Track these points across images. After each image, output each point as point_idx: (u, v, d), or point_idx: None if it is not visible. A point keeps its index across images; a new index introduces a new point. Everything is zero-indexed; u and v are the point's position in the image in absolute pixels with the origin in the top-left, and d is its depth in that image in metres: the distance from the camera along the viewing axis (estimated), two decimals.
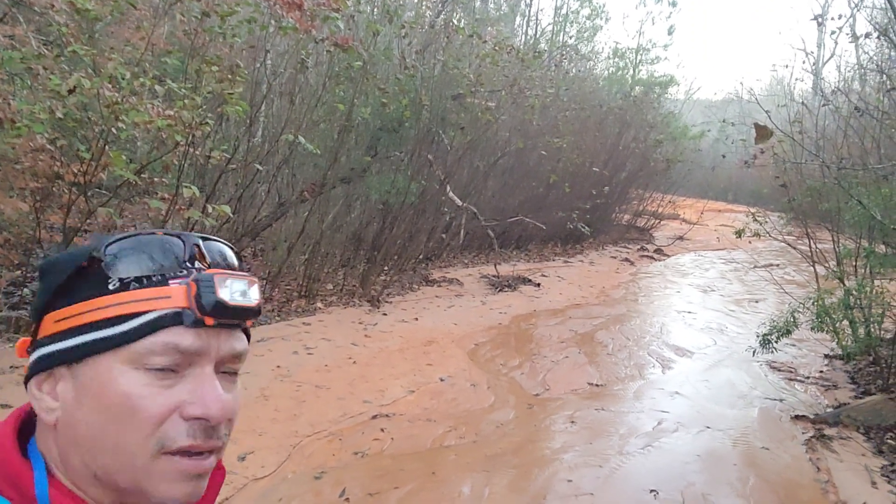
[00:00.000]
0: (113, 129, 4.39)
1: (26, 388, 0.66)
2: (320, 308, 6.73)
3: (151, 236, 0.66)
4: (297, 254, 7.16)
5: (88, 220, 4.88)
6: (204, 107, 4.93)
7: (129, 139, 5.68)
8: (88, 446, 0.61)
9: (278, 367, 4.98)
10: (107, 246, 0.64)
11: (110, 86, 4.21)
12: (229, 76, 5.04)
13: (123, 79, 4.21)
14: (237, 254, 0.72)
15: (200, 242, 0.67)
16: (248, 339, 0.71)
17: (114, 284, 0.62)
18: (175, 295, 0.62)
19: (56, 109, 4.15)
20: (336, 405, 4.48)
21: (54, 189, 5.02)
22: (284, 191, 7.38)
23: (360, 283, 7.60)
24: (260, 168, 6.03)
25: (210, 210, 4.47)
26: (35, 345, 0.65)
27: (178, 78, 5.05)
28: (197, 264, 0.66)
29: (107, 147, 4.55)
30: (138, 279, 0.63)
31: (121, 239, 0.65)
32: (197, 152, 5.30)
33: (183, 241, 0.66)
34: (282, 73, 6.87)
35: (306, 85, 7.06)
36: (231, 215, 4.74)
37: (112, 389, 0.60)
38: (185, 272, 0.64)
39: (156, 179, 5.02)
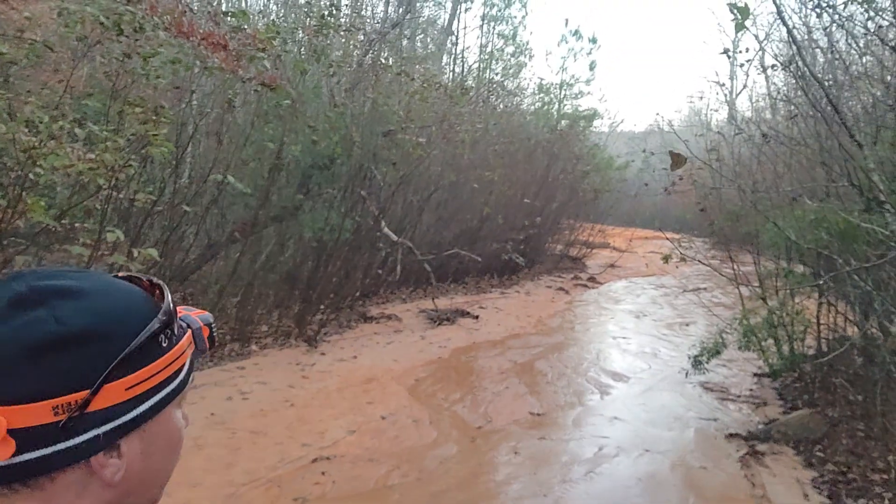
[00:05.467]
0: (31, 175, 4.21)
1: (66, 465, 0.59)
2: (255, 351, 6.56)
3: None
4: (228, 296, 6.99)
5: (4, 269, 4.63)
6: (127, 149, 4.80)
7: (48, 184, 5.47)
8: (150, 484, 0.68)
9: (212, 414, 4.81)
10: (164, 311, 0.67)
11: (27, 130, 4.05)
12: (153, 117, 4.93)
13: (41, 122, 4.06)
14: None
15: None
16: None
17: (165, 342, 0.67)
18: (191, 338, 0.72)
19: None
20: (274, 450, 4.34)
21: None
22: (214, 232, 7.22)
23: (295, 323, 7.45)
24: (188, 209, 5.88)
25: (136, 254, 4.32)
26: (84, 419, 0.59)
27: (100, 120, 4.91)
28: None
29: (24, 193, 4.35)
30: (174, 332, 0.69)
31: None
32: (121, 196, 5.13)
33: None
34: (208, 112, 6.76)
35: (234, 124, 6.97)
36: (158, 259, 4.59)
37: (175, 432, 0.69)
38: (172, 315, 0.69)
39: (77, 225, 4.83)
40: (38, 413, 0.57)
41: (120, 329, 0.62)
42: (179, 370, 0.69)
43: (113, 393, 0.61)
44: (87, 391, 0.58)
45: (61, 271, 0.64)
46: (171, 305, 0.69)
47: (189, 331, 0.73)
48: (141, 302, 0.67)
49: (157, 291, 0.70)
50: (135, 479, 0.65)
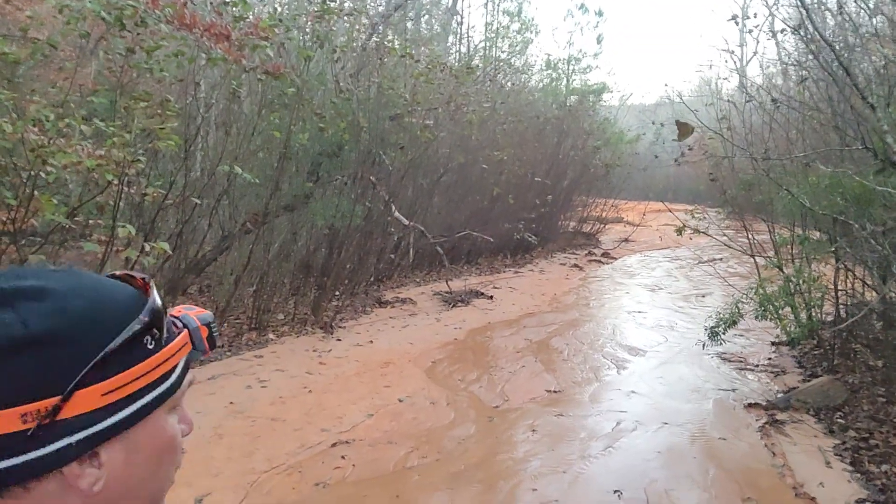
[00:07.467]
0: (41, 173, 4.25)
1: (35, 479, 0.57)
2: (272, 339, 6.61)
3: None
4: (244, 286, 7.04)
5: None
6: (136, 144, 4.82)
7: (59, 182, 5.51)
8: (138, 494, 0.64)
9: (231, 403, 4.86)
10: (147, 311, 0.64)
11: (35, 129, 4.08)
12: (160, 111, 4.94)
13: (48, 121, 4.09)
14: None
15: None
16: None
17: (151, 343, 0.63)
18: (186, 338, 0.69)
19: None
20: (293, 437, 4.39)
21: None
22: (227, 223, 7.25)
23: (311, 310, 7.50)
24: (198, 202, 5.91)
25: (148, 248, 4.35)
26: (55, 427, 0.56)
27: (108, 117, 4.93)
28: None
29: (35, 192, 4.39)
30: (163, 332, 0.66)
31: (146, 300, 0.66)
32: (131, 191, 5.16)
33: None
34: (215, 104, 6.77)
35: (241, 115, 6.97)
36: (170, 252, 4.63)
37: (164, 438, 0.66)
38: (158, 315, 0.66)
39: (90, 221, 4.86)
40: (6, 421, 0.54)
41: (93, 331, 0.59)
42: (169, 373, 0.65)
43: (87, 399, 0.57)
44: (58, 397, 0.55)
45: (32, 270, 0.61)
46: (158, 304, 0.65)
47: (185, 331, 0.69)
48: (122, 302, 0.63)
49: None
50: (119, 489, 0.61)
